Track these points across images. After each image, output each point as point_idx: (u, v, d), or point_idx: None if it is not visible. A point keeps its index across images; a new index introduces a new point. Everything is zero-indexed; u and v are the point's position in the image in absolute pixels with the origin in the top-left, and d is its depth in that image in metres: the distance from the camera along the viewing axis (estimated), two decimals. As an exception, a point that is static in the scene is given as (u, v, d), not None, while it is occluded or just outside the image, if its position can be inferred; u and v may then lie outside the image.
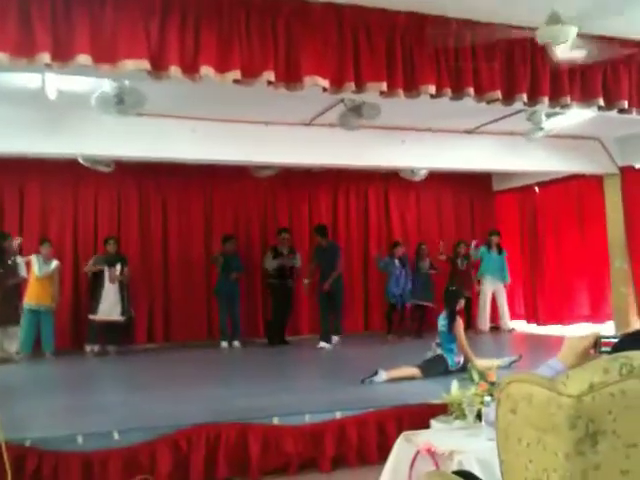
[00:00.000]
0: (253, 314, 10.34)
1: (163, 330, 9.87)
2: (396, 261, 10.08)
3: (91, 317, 8.66)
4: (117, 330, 8.73)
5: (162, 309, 9.89)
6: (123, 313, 8.72)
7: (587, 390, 1.61)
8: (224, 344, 9.44)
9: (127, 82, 5.45)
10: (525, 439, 1.68)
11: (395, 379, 6.04)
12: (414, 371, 6.20)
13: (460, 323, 6.44)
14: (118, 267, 8.79)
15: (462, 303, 6.76)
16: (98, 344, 8.70)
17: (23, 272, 8.34)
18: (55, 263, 8.65)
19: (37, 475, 4.05)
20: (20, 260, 8.34)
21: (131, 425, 4.50)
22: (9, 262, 8.19)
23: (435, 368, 6.25)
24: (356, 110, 6.46)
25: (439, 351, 6.40)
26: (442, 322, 6.49)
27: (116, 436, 4.29)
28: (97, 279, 8.83)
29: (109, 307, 8.66)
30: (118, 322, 8.67)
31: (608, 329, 8.88)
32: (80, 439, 4.22)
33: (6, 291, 8.06)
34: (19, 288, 8.38)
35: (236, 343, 9.50)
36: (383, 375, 5.99)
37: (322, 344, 9.11)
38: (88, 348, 8.69)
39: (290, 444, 4.53)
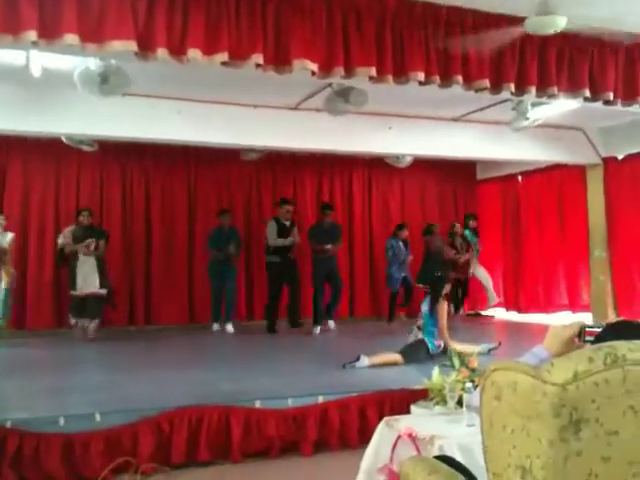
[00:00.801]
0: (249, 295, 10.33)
1: (144, 312, 9.83)
2: (401, 244, 9.87)
3: (72, 293, 8.32)
4: (98, 304, 8.35)
5: (144, 291, 9.84)
6: (102, 286, 8.33)
7: (572, 379, 1.64)
8: (216, 326, 9.20)
9: (113, 62, 5.38)
10: (509, 426, 1.71)
11: (377, 365, 6.08)
12: (396, 357, 6.24)
13: (443, 306, 6.48)
14: (89, 241, 8.34)
15: (448, 288, 6.77)
16: (80, 317, 8.27)
17: None
18: (10, 235, 8.34)
19: (18, 456, 4.04)
20: None
21: (113, 407, 4.50)
22: None
23: (416, 353, 6.30)
24: (343, 94, 6.44)
25: (420, 335, 6.45)
26: (425, 306, 6.52)
27: (98, 418, 4.28)
28: (72, 253, 8.39)
29: (85, 279, 8.26)
30: (98, 295, 8.30)
31: (586, 318, 9.00)
32: (62, 420, 4.21)
33: None
34: None
35: (229, 327, 9.16)
36: (365, 361, 6.03)
37: (317, 329, 8.92)
38: (72, 321, 8.31)
39: (272, 427, 4.55)
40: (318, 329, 8.94)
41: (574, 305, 10.07)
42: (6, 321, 8.22)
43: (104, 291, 8.35)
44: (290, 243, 8.97)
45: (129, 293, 9.72)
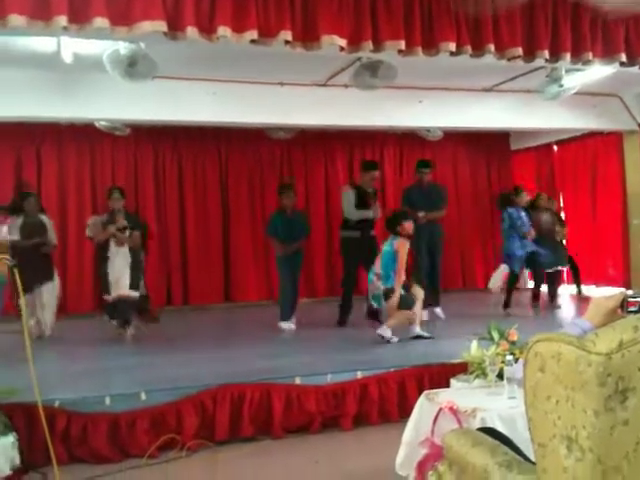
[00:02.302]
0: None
1: (181, 293, 9.96)
2: (522, 213, 8.01)
3: (106, 298, 6.91)
4: (129, 310, 6.94)
5: (180, 272, 9.97)
6: (132, 286, 6.85)
7: (617, 348, 1.63)
8: (285, 325, 7.41)
9: (142, 45, 5.39)
10: (554, 397, 1.71)
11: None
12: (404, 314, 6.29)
13: (405, 244, 6.34)
14: (123, 223, 6.90)
15: (406, 226, 6.39)
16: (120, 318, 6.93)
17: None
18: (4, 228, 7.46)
19: (66, 435, 4.17)
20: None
21: (156, 386, 4.59)
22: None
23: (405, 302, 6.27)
24: (371, 69, 6.35)
25: (382, 285, 6.30)
26: (388, 246, 6.40)
27: (143, 397, 4.38)
28: (101, 247, 7.04)
29: (116, 279, 6.82)
30: (129, 299, 6.85)
31: (620, 289, 8.82)
32: (108, 400, 4.32)
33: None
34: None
35: (286, 325, 7.43)
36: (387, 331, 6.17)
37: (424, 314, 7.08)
38: (127, 331, 6.91)
39: (312, 403, 4.62)
40: (426, 315, 7.21)
41: (612, 275, 9.89)
42: None
43: (135, 294, 6.91)
44: (374, 215, 7.47)
45: (166, 275, 9.84)
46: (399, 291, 6.24)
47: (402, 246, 6.31)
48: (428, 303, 7.22)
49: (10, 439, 3.79)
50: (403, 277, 6.30)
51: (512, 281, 8.04)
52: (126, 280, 6.81)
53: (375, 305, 6.42)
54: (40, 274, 6.97)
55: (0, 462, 3.63)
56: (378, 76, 6.29)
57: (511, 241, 7.90)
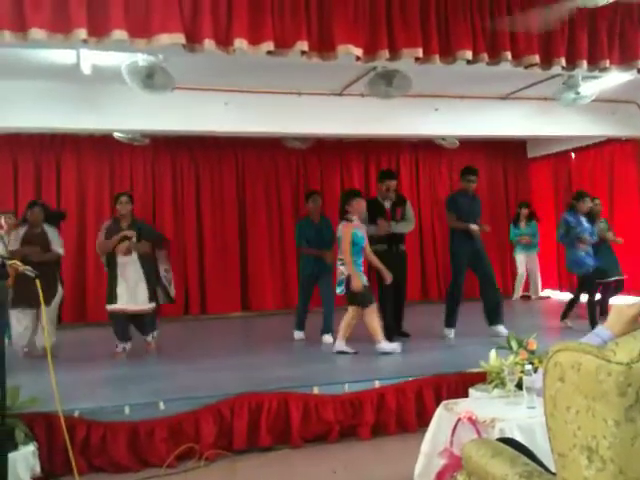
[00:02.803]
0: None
1: (199, 302, 10.01)
2: (583, 220, 7.35)
3: (109, 308, 6.39)
4: (151, 320, 6.64)
5: (198, 281, 10.01)
6: (151, 299, 6.45)
7: (637, 357, 1.62)
8: (299, 334, 7.32)
9: (161, 57, 5.45)
10: (574, 407, 1.70)
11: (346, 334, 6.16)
12: (350, 315, 6.21)
13: (349, 226, 6.14)
14: (128, 232, 6.42)
15: (355, 204, 6.19)
16: (127, 341, 6.50)
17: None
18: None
19: (86, 444, 4.19)
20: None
21: (174, 395, 4.61)
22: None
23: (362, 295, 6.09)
24: (386, 78, 6.36)
25: (346, 272, 6.11)
26: (338, 232, 6.25)
27: (162, 406, 4.40)
28: (109, 257, 6.51)
29: (130, 290, 6.36)
30: (145, 312, 6.47)
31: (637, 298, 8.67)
32: (127, 409, 4.35)
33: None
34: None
35: (327, 337, 6.92)
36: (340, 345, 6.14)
37: (451, 332, 6.99)
38: (119, 348, 6.47)
39: (330, 412, 4.61)
40: (452, 333, 6.96)
41: (630, 284, 9.78)
42: None
43: (153, 305, 6.52)
44: (398, 230, 6.94)
45: (184, 283, 9.89)
46: (357, 276, 6.04)
47: (345, 229, 6.11)
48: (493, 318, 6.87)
49: (31, 448, 3.82)
50: (349, 258, 6.05)
51: (588, 290, 7.28)
52: (144, 293, 6.39)
53: (338, 291, 6.25)
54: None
55: (21, 471, 3.66)
56: (393, 85, 6.31)
57: (575, 249, 7.27)
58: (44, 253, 6.54)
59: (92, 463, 4.17)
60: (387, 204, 6.98)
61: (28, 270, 3.18)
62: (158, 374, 5.62)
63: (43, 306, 3.74)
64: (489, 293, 7.00)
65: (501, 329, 6.70)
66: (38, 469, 3.84)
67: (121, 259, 6.36)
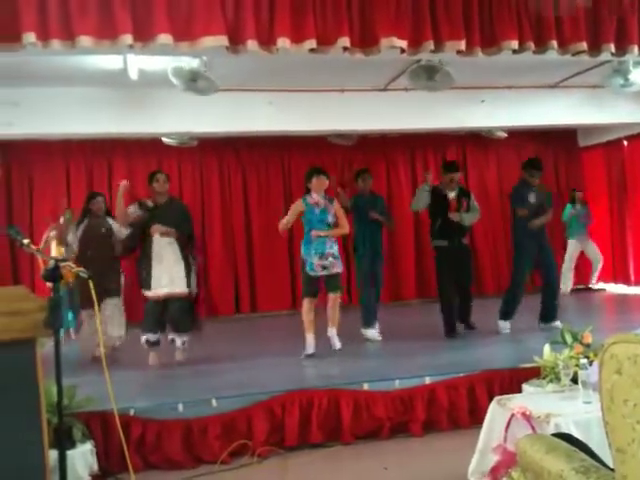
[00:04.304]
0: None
1: (249, 300, 10.10)
2: None
3: (146, 294, 6.02)
4: (185, 312, 6.05)
5: (248, 280, 10.10)
6: (189, 285, 6.02)
7: (697, 349, 1.56)
8: (371, 333, 6.83)
9: (205, 59, 5.51)
10: (632, 400, 1.65)
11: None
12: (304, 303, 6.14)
13: (299, 202, 6.24)
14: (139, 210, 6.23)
15: (315, 182, 6.19)
16: (157, 332, 6.04)
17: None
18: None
19: (141, 442, 4.27)
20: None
21: (227, 393, 4.65)
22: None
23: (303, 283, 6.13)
24: (428, 71, 6.27)
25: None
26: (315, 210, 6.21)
27: (214, 403, 4.45)
28: (144, 242, 6.15)
29: (167, 274, 5.95)
30: (181, 296, 5.96)
31: None
32: (181, 407, 4.41)
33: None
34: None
35: (371, 332, 6.81)
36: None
37: (506, 325, 6.78)
38: (143, 338, 6.02)
39: (381, 409, 4.60)
40: (507, 326, 6.76)
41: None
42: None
43: (187, 291, 6.04)
44: (462, 222, 6.75)
45: (234, 282, 9.99)
46: (304, 263, 6.08)
47: (293, 205, 6.28)
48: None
49: (88, 446, 3.92)
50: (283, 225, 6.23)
51: None
52: (182, 277, 5.98)
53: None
54: (106, 285, 6.14)
55: (79, 468, 3.75)
56: (435, 80, 6.23)
57: None
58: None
59: (147, 460, 4.26)
60: (451, 195, 6.80)
61: (82, 272, 3.24)
62: (209, 372, 5.67)
63: (96, 307, 3.79)
64: (548, 292, 6.81)
65: (557, 324, 6.50)
66: (96, 467, 3.94)
67: (158, 240, 6.01)
